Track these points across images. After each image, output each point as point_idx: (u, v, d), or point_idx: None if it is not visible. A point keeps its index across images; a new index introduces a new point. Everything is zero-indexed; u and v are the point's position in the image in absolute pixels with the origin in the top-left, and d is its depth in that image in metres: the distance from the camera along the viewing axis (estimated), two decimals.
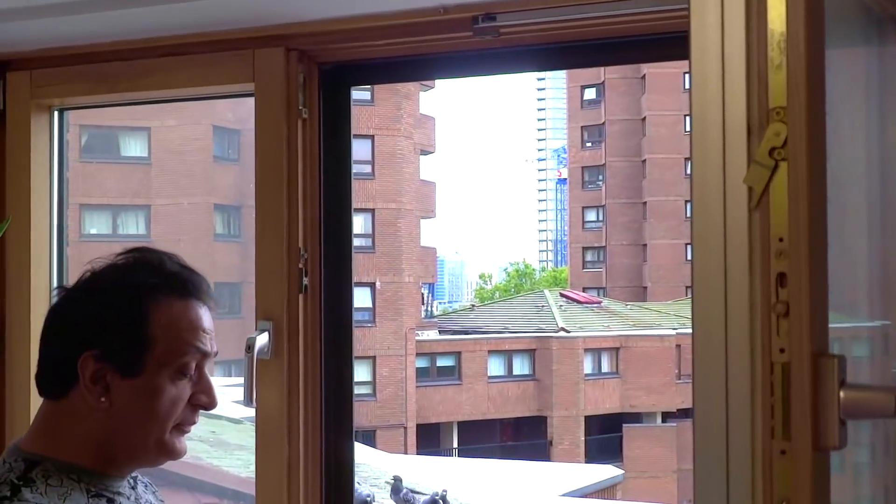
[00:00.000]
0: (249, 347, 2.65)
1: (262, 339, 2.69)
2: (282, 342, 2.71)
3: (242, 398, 2.67)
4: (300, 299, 2.72)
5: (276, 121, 2.71)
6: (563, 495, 14.10)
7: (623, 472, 18.26)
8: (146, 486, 2.21)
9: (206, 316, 2.07)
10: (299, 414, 2.72)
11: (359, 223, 37.39)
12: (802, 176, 1.25)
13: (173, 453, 2.04)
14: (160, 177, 32.20)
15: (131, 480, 2.12)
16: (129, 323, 1.98)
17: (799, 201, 1.19)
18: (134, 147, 33.93)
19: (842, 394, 1.22)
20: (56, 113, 3.02)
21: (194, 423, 2.09)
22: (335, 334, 2.77)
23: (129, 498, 2.08)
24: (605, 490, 15.69)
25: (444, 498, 7.31)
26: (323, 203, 2.75)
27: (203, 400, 2.04)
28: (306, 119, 2.73)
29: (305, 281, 2.73)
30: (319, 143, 2.75)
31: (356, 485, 3.09)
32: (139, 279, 2.01)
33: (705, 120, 1.29)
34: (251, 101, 2.72)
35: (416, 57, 2.77)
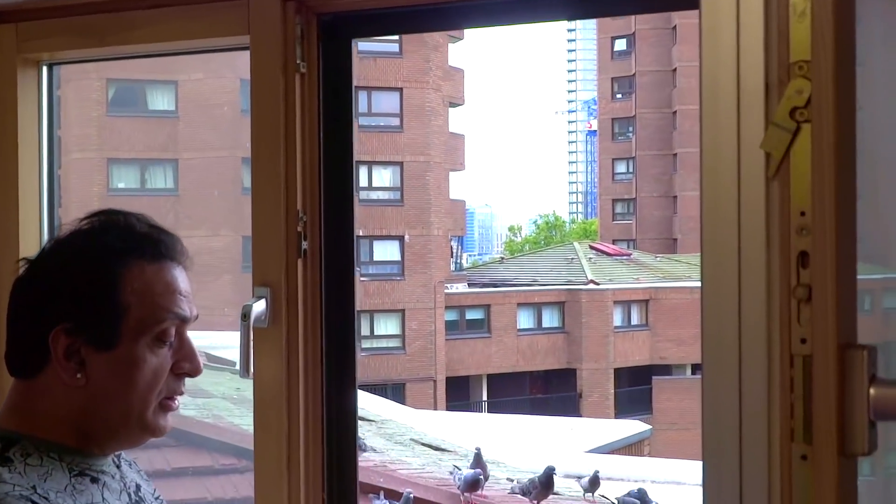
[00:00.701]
0: (245, 315, 2.51)
1: (259, 307, 2.56)
2: (280, 309, 2.57)
3: (239, 368, 2.54)
4: (299, 264, 2.58)
5: (272, 76, 2.56)
6: (589, 451, 14.01)
7: (651, 427, 18.12)
8: (130, 464, 2.11)
9: (181, 277, 1.94)
10: (299, 385, 2.58)
11: (387, 176, 37.31)
12: (828, 140, 1.07)
13: (157, 431, 1.93)
14: (187, 130, 32.15)
15: (115, 459, 2.01)
16: (99, 292, 1.86)
17: (824, 169, 1.01)
18: (161, 101, 33.88)
19: (872, 391, 1.04)
20: (45, 68, 2.87)
21: (181, 393, 1.98)
22: (337, 301, 2.62)
23: (113, 477, 1.98)
24: (632, 446, 15.58)
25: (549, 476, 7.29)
26: (323, 163, 2.59)
27: (186, 367, 1.93)
28: (304, 74, 2.57)
29: (304, 245, 2.58)
30: (318, 99, 2.59)
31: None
32: (107, 243, 1.89)
33: (717, 77, 1.11)
34: None
35: (423, 6, 2.60)
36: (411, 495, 6.30)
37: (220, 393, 9.27)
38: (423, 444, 10.40)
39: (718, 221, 1.10)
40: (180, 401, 1.99)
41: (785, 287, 1.06)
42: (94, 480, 1.91)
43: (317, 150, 2.58)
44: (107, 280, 1.86)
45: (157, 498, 2.12)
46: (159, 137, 31.12)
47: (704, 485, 1.14)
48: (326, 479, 2.65)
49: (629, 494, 7.60)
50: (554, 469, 7.05)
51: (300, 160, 2.56)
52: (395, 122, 37.14)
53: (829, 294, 1.03)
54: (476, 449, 7.16)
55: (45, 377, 1.87)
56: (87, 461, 1.90)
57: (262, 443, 2.60)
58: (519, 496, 7.77)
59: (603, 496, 7.53)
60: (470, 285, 42.50)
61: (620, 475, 10.45)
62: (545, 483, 6.88)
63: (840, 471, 1.01)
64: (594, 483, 8.30)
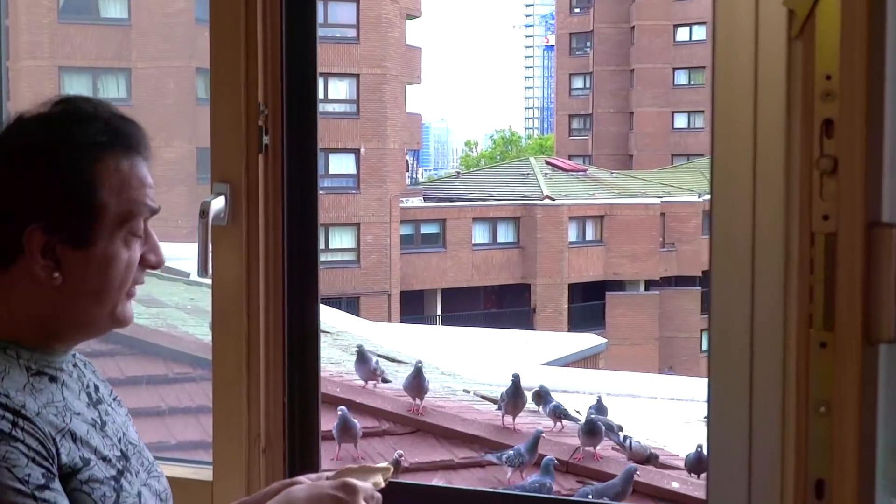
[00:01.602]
0: (204, 212, 2.41)
1: (218, 204, 2.45)
2: (240, 207, 2.47)
3: (196, 267, 2.44)
4: (260, 160, 2.47)
5: None
6: (545, 364, 14.04)
7: (606, 340, 18.19)
8: (85, 364, 2.05)
9: (147, 170, 1.89)
10: (259, 284, 2.49)
11: (343, 89, 36.96)
12: None
13: (125, 321, 1.90)
14: (140, 39, 31.64)
15: (72, 358, 1.96)
16: (77, 190, 1.79)
17: (854, 28, 0.91)
18: (114, 8, 33.29)
19: None
20: None
21: (142, 283, 1.95)
22: (299, 198, 2.52)
23: (71, 375, 1.92)
24: (587, 359, 15.63)
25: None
26: (286, 54, 2.47)
27: (152, 259, 1.91)
28: None
29: (266, 140, 2.48)
30: None
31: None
32: (80, 136, 1.81)
33: None
34: None
35: None
36: (345, 410, 6.23)
37: (173, 303, 9.17)
38: (379, 356, 10.33)
39: (732, 86, 0.99)
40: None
41: (807, 158, 0.96)
42: (53, 379, 1.86)
43: (278, 37, 2.46)
44: (83, 177, 1.80)
45: (115, 399, 2.05)
46: (112, 46, 30.62)
47: (710, 371, 1.05)
48: (287, 383, 2.57)
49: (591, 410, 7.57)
50: (519, 377, 6.99)
51: (262, 48, 2.44)
52: (352, 33, 36.73)
53: (857, 166, 0.93)
54: (417, 363, 7.09)
55: (12, 274, 1.81)
56: (45, 359, 1.86)
57: (220, 344, 2.52)
58: (483, 409, 7.73)
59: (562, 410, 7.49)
60: (425, 200, 42.40)
61: (576, 388, 10.46)
62: (513, 393, 6.83)
63: (864, 359, 0.92)
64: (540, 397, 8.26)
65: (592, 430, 6.66)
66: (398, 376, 8.75)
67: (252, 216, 2.47)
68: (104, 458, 1.86)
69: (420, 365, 7.04)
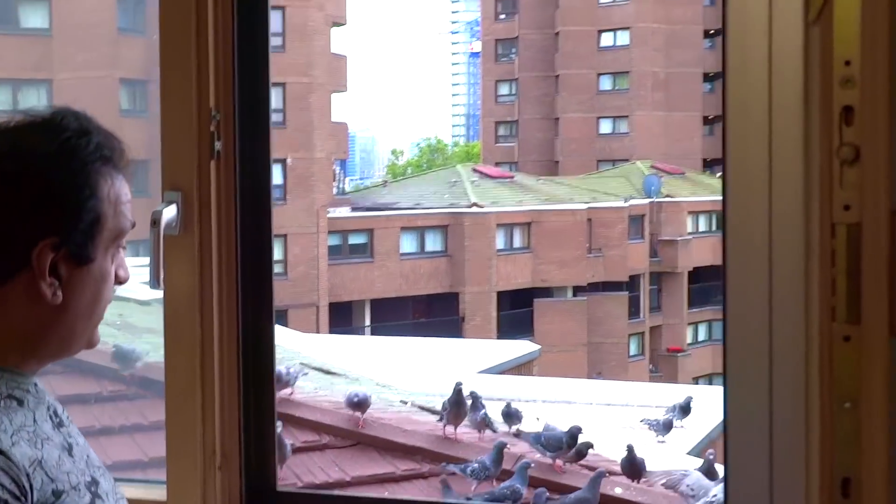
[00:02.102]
0: (155, 221, 2.34)
1: (170, 212, 2.38)
2: (192, 215, 2.40)
3: (149, 279, 2.37)
4: (212, 166, 2.41)
5: None
6: (481, 372, 14.01)
7: (539, 347, 18.21)
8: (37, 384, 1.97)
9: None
10: (213, 294, 2.42)
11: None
12: None
13: (95, 342, 1.88)
14: (62, 49, 31.24)
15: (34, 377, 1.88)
16: (86, 204, 1.75)
17: (876, 11, 0.87)
18: (34, 17, 32.85)
19: None
20: None
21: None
22: (252, 206, 2.46)
23: (35, 396, 1.84)
24: (521, 366, 15.62)
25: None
26: (237, 58, 2.41)
27: (122, 275, 1.87)
28: None
29: (218, 146, 2.41)
30: None
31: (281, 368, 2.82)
32: (82, 149, 1.77)
33: None
34: None
35: None
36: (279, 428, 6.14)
37: (103, 321, 9.02)
38: (314, 368, 10.26)
39: (747, 74, 0.96)
40: None
41: (826, 147, 0.92)
42: (21, 402, 1.79)
43: (231, 42, 2.40)
44: (90, 191, 1.76)
45: (69, 420, 1.97)
46: (32, 56, 30.22)
47: (727, 367, 1.01)
48: (243, 397, 2.50)
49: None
50: (461, 385, 6.93)
51: (213, 51, 2.38)
52: (278, 41, 36.52)
53: (881, 154, 0.89)
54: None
55: (7, 291, 1.75)
56: (16, 380, 1.79)
57: (173, 357, 2.45)
58: (422, 419, 7.67)
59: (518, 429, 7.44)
60: (353, 210, 42.31)
61: (512, 395, 10.44)
62: (456, 402, 6.76)
63: (892, 354, 0.89)
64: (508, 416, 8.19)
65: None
66: (335, 388, 8.70)
67: (205, 224, 2.41)
68: (75, 488, 1.78)
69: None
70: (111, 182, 1.79)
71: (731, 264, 0.98)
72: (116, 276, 1.85)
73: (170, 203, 2.38)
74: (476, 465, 6.18)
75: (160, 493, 2.54)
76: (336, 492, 5.06)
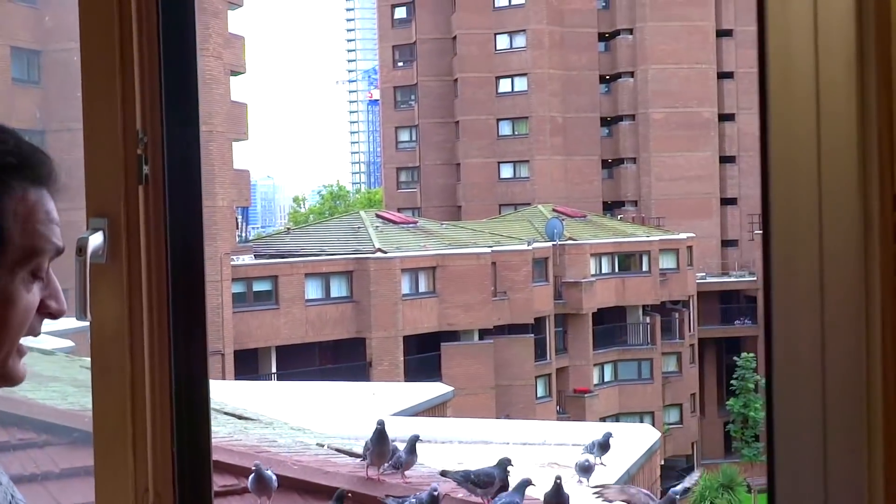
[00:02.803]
0: (81, 250, 2.20)
1: (96, 240, 2.25)
2: (119, 243, 2.27)
3: (75, 310, 2.24)
4: (140, 191, 2.28)
5: None
6: (394, 414, 13.88)
7: (453, 388, 18.12)
8: None
9: (54, 206, 1.66)
10: (143, 325, 2.29)
11: None
12: None
13: (16, 378, 1.65)
14: None
15: None
16: None
17: None
18: None
19: None
20: None
21: (38, 334, 1.68)
22: (183, 232, 2.33)
23: None
24: (435, 407, 15.52)
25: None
26: (164, 76, 2.30)
27: (53, 306, 1.65)
28: None
29: (146, 169, 2.29)
30: (157, 6, 2.29)
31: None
32: None
33: None
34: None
35: None
36: (261, 466, 5.95)
37: None
38: (226, 413, 10.08)
39: (790, 30, 0.87)
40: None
41: (885, 113, 0.84)
42: None
43: (156, 60, 2.29)
44: None
45: None
46: None
47: (773, 381, 0.91)
48: (175, 433, 2.37)
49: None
50: (384, 424, 6.80)
51: (138, 71, 2.26)
52: None
53: None
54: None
55: None
56: None
57: (101, 391, 2.31)
58: (341, 462, 7.52)
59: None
60: (256, 257, 41.99)
61: (429, 437, 10.35)
62: (378, 441, 6.62)
63: None
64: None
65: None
66: (249, 433, 8.54)
67: (133, 252, 2.28)
68: None
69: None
70: (22, 195, 1.60)
71: (775, 247, 0.89)
72: (45, 305, 1.65)
73: (95, 230, 2.25)
74: (413, 499, 6.07)
75: None
76: None
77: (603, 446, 10.14)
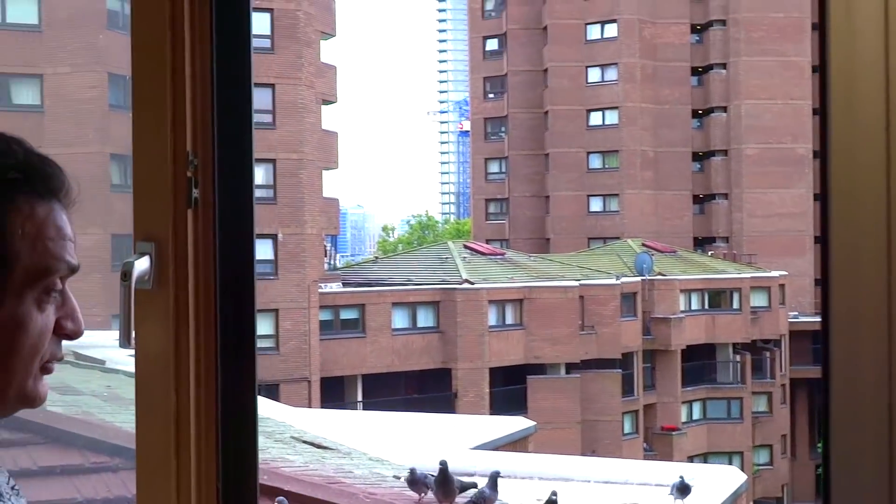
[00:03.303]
0: (126, 275, 2.11)
1: (142, 265, 2.16)
2: (166, 268, 2.17)
3: (118, 337, 2.14)
4: (189, 215, 2.18)
5: None
6: (474, 448, 13.74)
7: (535, 423, 17.93)
8: None
9: (68, 220, 1.56)
10: (189, 356, 2.19)
11: (260, 174, 36.76)
12: None
13: (36, 401, 1.55)
14: (53, 125, 31.28)
15: None
16: None
17: None
18: (26, 94, 32.93)
19: None
20: None
21: (61, 358, 1.59)
22: (233, 259, 2.24)
23: None
24: (516, 442, 15.35)
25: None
26: (216, 96, 2.20)
27: (69, 327, 1.56)
28: None
29: (196, 193, 2.19)
30: (211, 19, 2.20)
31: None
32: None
33: None
34: None
35: None
36: (285, 502, 5.88)
37: (89, 390, 8.82)
38: (304, 442, 10.02)
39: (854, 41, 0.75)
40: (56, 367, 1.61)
41: None
42: None
43: (209, 80, 2.20)
44: None
45: (14, 489, 1.69)
46: (23, 132, 30.15)
47: (828, 390, 0.79)
48: (222, 468, 2.27)
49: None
50: (447, 463, 6.70)
51: (190, 91, 2.18)
52: (268, 118, 36.63)
53: None
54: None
55: None
56: None
57: (145, 423, 2.22)
58: (409, 491, 7.41)
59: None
60: (344, 285, 42.15)
61: (509, 471, 10.19)
62: (442, 481, 6.51)
63: None
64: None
65: None
66: (326, 462, 8.47)
67: (180, 278, 2.19)
68: None
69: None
70: (30, 212, 1.50)
71: (835, 262, 0.78)
72: (61, 326, 1.56)
73: (142, 255, 2.16)
74: None
75: None
76: None
77: (681, 489, 9.88)
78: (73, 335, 1.58)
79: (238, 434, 2.28)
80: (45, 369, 1.56)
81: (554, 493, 6.76)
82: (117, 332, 2.21)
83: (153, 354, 2.20)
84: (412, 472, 7.19)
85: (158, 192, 2.18)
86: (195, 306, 2.21)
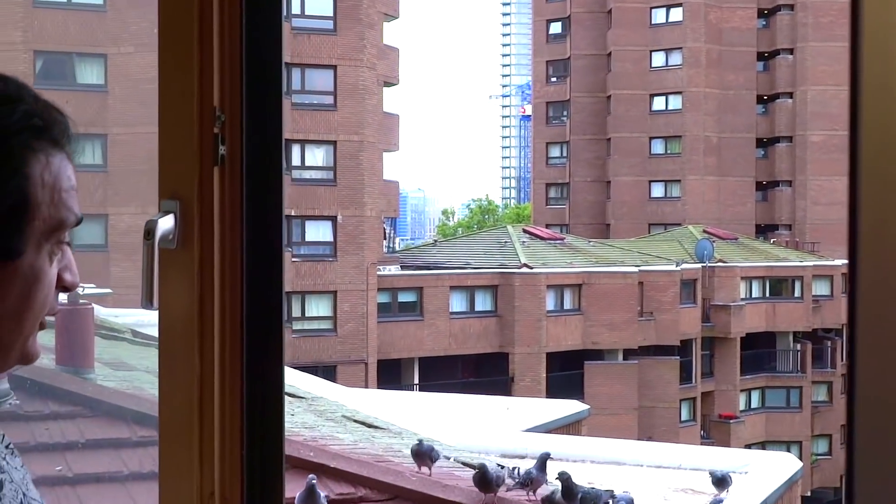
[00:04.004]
0: (149, 233, 2.04)
1: (166, 224, 2.09)
2: (191, 227, 2.10)
3: (140, 298, 2.08)
4: (215, 173, 2.12)
5: None
6: (527, 430, 13.66)
7: (588, 406, 17.81)
8: None
9: (73, 170, 1.52)
10: (214, 317, 2.12)
11: (320, 156, 36.82)
12: None
13: (34, 356, 1.51)
14: (117, 105, 31.52)
15: None
16: (8, 184, 1.42)
17: None
18: (90, 74, 33.20)
19: None
20: None
21: (56, 312, 1.56)
22: (260, 217, 2.17)
23: None
24: (570, 425, 15.25)
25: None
26: (245, 50, 2.13)
27: (68, 279, 1.52)
28: None
29: (222, 150, 2.12)
30: None
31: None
32: (11, 119, 1.44)
33: None
34: None
35: None
36: (314, 481, 5.82)
37: (143, 367, 8.85)
38: (356, 421, 9.99)
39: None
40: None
41: None
42: None
43: (238, 33, 2.12)
44: (15, 169, 1.42)
45: (8, 448, 1.61)
46: (88, 112, 30.46)
47: (854, 384, 0.71)
48: (247, 435, 2.20)
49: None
50: (549, 454, 6.68)
51: (217, 44, 2.10)
52: (329, 100, 36.68)
53: None
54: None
55: None
56: None
57: (167, 387, 2.16)
58: (464, 475, 7.36)
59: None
60: (403, 268, 42.19)
61: (560, 454, 10.11)
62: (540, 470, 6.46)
63: None
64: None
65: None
66: (375, 442, 8.43)
67: (206, 238, 2.12)
68: None
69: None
70: (46, 161, 1.46)
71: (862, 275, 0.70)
72: (60, 278, 1.52)
73: (167, 213, 2.09)
74: None
75: None
76: None
77: (720, 482, 9.66)
78: (71, 287, 1.53)
79: (264, 400, 2.21)
80: (42, 324, 1.52)
81: (564, 473, 6.69)
82: None
83: (177, 316, 2.14)
84: (420, 443, 7.13)
85: (184, 148, 2.11)
86: (221, 266, 2.14)
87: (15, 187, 1.41)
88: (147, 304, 2.07)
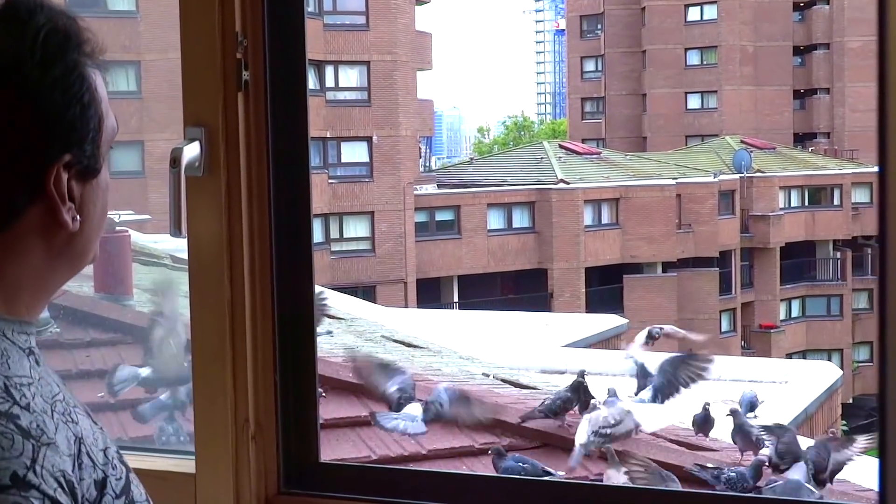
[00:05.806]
0: (175, 161, 2.05)
1: (192, 151, 2.09)
2: (217, 154, 2.11)
3: (169, 226, 2.09)
4: (239, 98, 2.11)
5: None
6: (566, 346, 13.68)
7: (627, 320, 17.78)
8: None
9: None
10: (243, 243, 2.13)
11: (353, 76, 36.69)
12: None
13: (96, 257, 1.59)
14: (149, 31, 31.44)
15: None
16: (88, 109, 1.46)
17: None
18: (121, 0, 33.10)
19: None
20: None
21: None
22: (286, 143, 2.16)
23: (37, 348, 1.51)
24: (608, 340, 15.25)
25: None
26: None
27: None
28: None
29: (246, 75, 2.12)
30: None
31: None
32: (70, 43, 1.46)
33: None
34: None
35: None
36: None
37: (183, 292, 8.88)
38: (395, 341, 10.04)
39: None
40: None
41: None
42: (38, 361, 1.47)
43: None
44: (88, 93, 1.46)
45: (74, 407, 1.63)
46: (120, 38, 30.40)
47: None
48: (279, 360, 2.21)
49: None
50: (585, 374, 6.65)
51: None
52: (361, 20, 36.47)
53: None
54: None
55: (18, 230, 1.43)
56: (25, 330, 1.46)
57: (199, 314, 2.17)
58: (504, 392, 7.38)
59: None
60: (439, 187, 42.17)
61: (599, 370, 10.13)
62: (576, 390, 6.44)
63: None
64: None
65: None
66: (414, 361, 8.48)
67: (232, 164, 2.12)
68: (108, 464, 1.48)
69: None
70: (100, 82, 1.49)
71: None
72: None
73: (192, 140, 2.09)
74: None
75: (189, 465, 2.27)
76: (399, 466, 4.78)
77: (751, 405, 9.60)
78: None
79: (295, 324, 2.22)
80: None
81: (582, 373, 6.69)
82: None
83: (205, 243, 2.14)
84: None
85: (207, 74, 2.10)
86: (248, 192, 2.15)
87: (95, 110, 1.46)
88: (175, 231, 2.08)
